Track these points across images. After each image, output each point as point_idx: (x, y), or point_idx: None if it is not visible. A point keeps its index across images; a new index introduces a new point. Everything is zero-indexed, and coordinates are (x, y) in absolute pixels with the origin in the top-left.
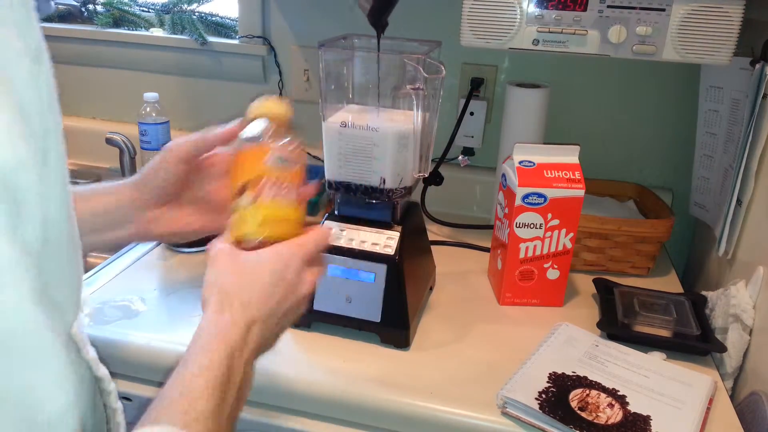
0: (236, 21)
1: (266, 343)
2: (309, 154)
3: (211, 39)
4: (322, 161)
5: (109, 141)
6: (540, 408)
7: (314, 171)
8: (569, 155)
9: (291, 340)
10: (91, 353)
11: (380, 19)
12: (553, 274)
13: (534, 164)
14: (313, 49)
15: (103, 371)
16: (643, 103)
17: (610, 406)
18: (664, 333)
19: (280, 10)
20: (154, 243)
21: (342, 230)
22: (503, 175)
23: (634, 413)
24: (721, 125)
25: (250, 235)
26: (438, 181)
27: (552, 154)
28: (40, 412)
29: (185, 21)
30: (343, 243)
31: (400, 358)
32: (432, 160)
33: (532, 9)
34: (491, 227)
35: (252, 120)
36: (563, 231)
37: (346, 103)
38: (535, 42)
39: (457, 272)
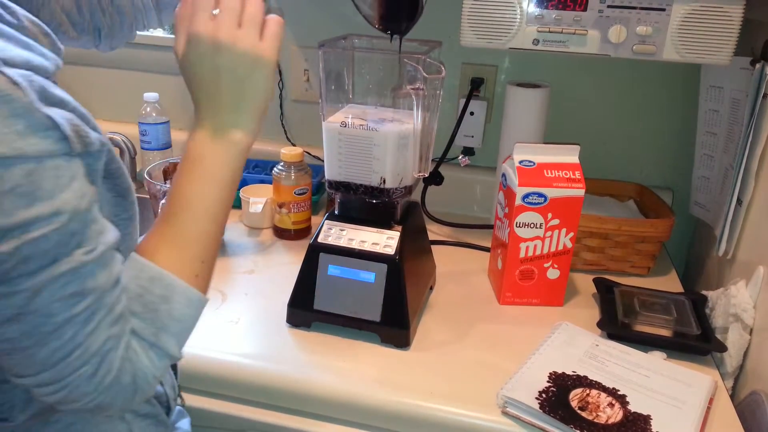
0: None
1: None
2: (309, 153)
3: None
4: (322, 161)
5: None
6: (540, 408)
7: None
8: (569, 155)
9: (291, 340)
10: None
11: (396, 24)
12: (553, 273)
13: (534, 164)
14: (313, 49)
15: None
16: (643, 103)
17: (611, 405)
18: (665, 333)
19: (280, 10)
20: None
21: (342, 230)
22: (503, 175)
23: (635, 413)
24: (721, 125)
25: (287, 228)
26: (438, 181)
27: (552, 153)
28: None
29: None
30: (343, 243)
31: (400, 358)
32: (432, 160)
33: (532, 9)
34: (491, 227)
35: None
36: (563, 230)
37: (346, 103)
38: (536, 42)
39: (457, 272)
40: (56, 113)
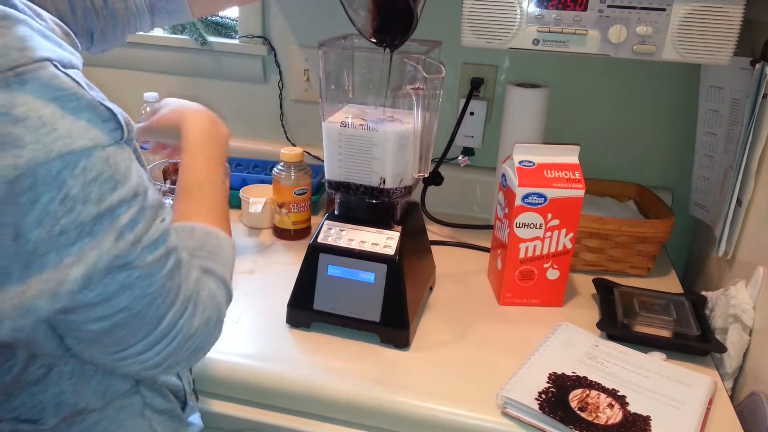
0: (236, 21)
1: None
2: (309, 153)
3: (211, 39)
4: (322, 161)
5: None
6: (540, 408)
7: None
8: (569, 155)
9: (291, 340)
10: None
11: (390, 38)
12: (553, 274)
13: (534, 164)
14: (313, 49)
15: None
16: (643, 103)
17: (610, 406)
18: (664, 333)
19: (280, 10)
20: None
21: (342, 230)
22: (503, 175)
23: (634, 413)
24: (721, 125)
25: (287, 228)
26: (438, 181)
27: (552, 154)
28: None
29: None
30: (343, 243)
31: (400, 358)
32: (432, 160)
33: (533, 9)
34: (491, 227)
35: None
36: (563, 231)
37: (346, 103)
38: (536, 42)
39: (457, 272)
40: (111, 105)
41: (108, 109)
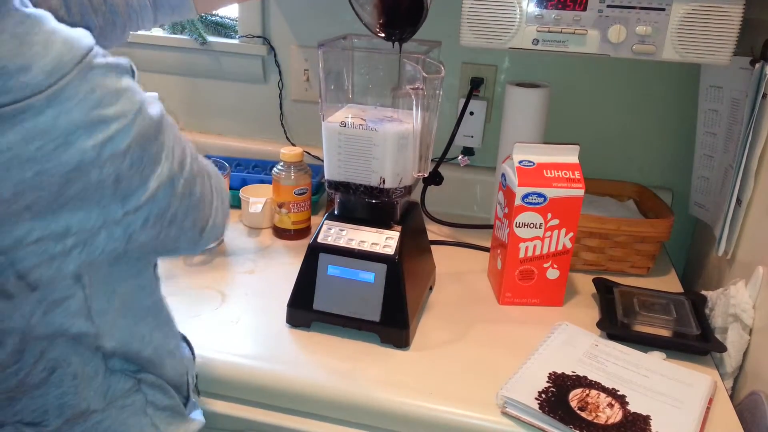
0: (236, 21)
1: None
2: (309, 153)
3: (211, 39)
4: (322, 161)
5: None
6: (540, 408)
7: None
8: (569, 155)
9: (291, 340)
10: None
11: (399, 31)
12: (552, 273)
13: (534, 164)
14: (313, 49)
15: None
16: (643, 103)
17: (610, 405)
18: (664, 333)
19: (280, 10)
20: None
21: (342, 230)
22: (503, 175)
23: (634, 413)
24: (721, 125)
25: (287, 228)
26: (438, 181)
27: (552, 153)
28: None
29: (185, 21)
30: (343, 243)
31: (400, 358)
32: (432, 160)
33: (532, 9)
34: (491, 227)
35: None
36: (563, 231)
37: (345, 103)
38: (535, 42)
39: (457, 272)
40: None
41: (126, 63)
